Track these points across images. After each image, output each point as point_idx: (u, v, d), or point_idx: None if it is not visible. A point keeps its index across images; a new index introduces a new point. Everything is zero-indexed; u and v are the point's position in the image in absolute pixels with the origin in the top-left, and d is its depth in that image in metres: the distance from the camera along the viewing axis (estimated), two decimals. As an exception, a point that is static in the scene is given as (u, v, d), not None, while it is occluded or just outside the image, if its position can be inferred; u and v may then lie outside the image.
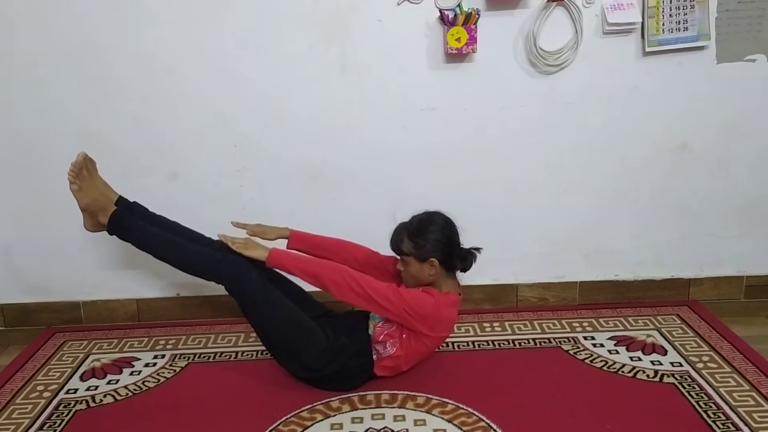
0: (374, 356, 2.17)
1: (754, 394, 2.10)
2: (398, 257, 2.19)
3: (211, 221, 2.57)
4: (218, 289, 2.62)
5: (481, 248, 2.22)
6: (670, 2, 2.42)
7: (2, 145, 2.55)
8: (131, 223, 2.21)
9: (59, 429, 2.04)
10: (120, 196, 2.28)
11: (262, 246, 2.16)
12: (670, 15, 2.42)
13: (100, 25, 2.42)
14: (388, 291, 2.08)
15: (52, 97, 2.50)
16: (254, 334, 2.32)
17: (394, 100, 2.53)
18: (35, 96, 2.49)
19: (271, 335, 2.18)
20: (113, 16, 2.42)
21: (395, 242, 2.16)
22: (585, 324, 2.61)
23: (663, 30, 2.43)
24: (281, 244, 2.29)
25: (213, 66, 2.47)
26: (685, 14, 2.42)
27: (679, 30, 2.43)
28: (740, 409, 2.02)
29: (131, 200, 2.31)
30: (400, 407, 2.08)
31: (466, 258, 2.20)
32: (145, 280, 2.70)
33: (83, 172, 2.17)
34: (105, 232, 2.26)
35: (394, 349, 2.15)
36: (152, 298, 2.73)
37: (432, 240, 2.12)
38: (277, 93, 2.51)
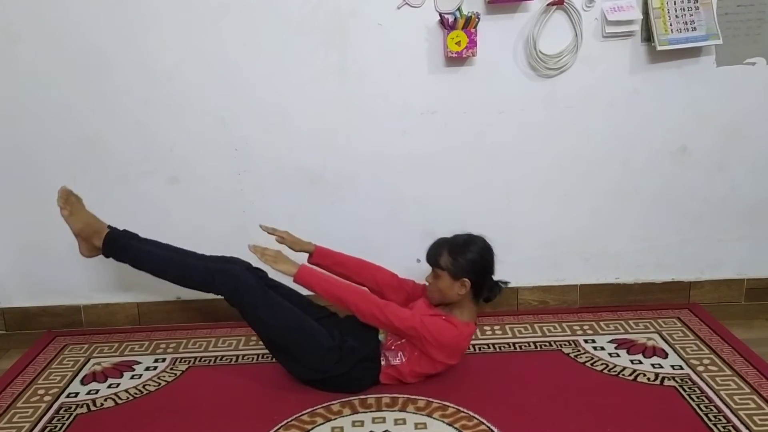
0: (382, 362, 2.18)
1: (754, 397, 2.10)
2: (431, 269, 2.19)
3: (211, 225, 2.62)
4: None
5: (508, 282, 2.25)
6: (675, 3, 2.41)
7: (3, 150, 2.55)
8: (126, 243, 2.22)
9: (60, 433, 2.05)
10: (110, 225, 2.26)
11: (291, 261, 2.15)
12: (676, 16, 2.41)
13: (101, 31, 2.43)
14: (413, 320, 2.10)
15: (54, 102, 2.50)
16: (255, 338, 2.32)
17: (394, 104, 2.53)
18: (37, 101, 2.49)
19: (275, 339, 2.18)
20: (114, 21, 2.42)
21: (433, 254, 2.16)
22: (585, 327, 2.61)
23: (671, 30, 2.41)
24: (301, 257, 2.31)
25: (213, 70, 2.48)
26: (691, 15, 2.41)
27: (687, 30, 2.42)
28: (741, 412, 2.02)
29: (121, 229, 2.29)
30: (400, 410, 2.08)
31: (493, 288, 2.22)
32: (145, 284, 2.67)
33: (71, 198, 2.20)
34: (101, 258, 2.28)
35: (402, 362, 2.17)
36: (153, 302, 2.72)
37: (470, 260, 2.12)
38: (277, 97, 2.51)
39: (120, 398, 2.21)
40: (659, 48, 2.42)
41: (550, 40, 2.46)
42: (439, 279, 2.15)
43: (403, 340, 2.17)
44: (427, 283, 2.22)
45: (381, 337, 2.20)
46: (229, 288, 2.15)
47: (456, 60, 2.46)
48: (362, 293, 2.14)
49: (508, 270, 2.64)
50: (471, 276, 2.12)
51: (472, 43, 2.39)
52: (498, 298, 2.25)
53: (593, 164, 2.62)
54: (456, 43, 2.38)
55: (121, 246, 2.22)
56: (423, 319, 2.11)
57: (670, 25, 2.42)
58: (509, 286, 2.66)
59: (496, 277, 2.22)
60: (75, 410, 2.15)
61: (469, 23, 2.36)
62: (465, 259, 2.12)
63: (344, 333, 2.19)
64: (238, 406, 2.14)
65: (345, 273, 2.34)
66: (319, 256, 2.34)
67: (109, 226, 2.24)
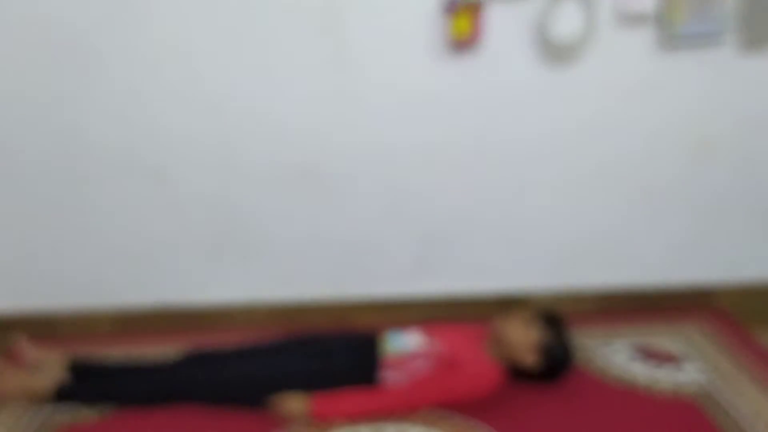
0: (379, 381, 2.09)
1: (778, 409, 2.04)
2: (540, 321, 2.18)
3: (200, 222, 2.57)
4: (206, 296, 2.66)
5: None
6: (687, -8, 2.34)
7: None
8: (73, 393, 2.16)
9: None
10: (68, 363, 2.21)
11: (302, 406, 2.06)
12: (690, 4, 2.32)
13: (87, 21, 2.34)
14: (441, 393, 2.08)
15: (39, 98, 2.42)
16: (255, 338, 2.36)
17: (393, 95, 2.44)
18: (12, 92, 2.41)
19: (249, 403, 2.12)
20: (99, 11, 2.33)
21: (554, 323, 2.17)
22: (599, 333, 2.54)
23: (691, 16, 2.34)
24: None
25: (202, 62, 2.39)
26: (705, 4, 2.33)
27: (703, 21, 2.35)
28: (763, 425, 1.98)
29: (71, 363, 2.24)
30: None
31: (521, 377, 2.18)
32: (128, 286, 2.64)
33: (4, 375, 2.16)
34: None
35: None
36: (136, 306, 2.66)
37: (558, 361, 2.16)
38: (269, 89, 2.43)
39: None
40: (672, 39, 2.36)
41: (561, 27, 2.35)
42: (530, 330, 2.13)
43: (418, 365, 2.10)
44: (527, 315, 2.19)
45: (382, 353, 2.13)
46: (180, 398, 2.13)
47: (460, 48, 2.37)
48: (379, 403, 2.06)
49: (517, 272, 2.68)
50: (542, 362, 2.13)
51: (478, 30, 2.30)
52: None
53: (608, 159, 2.54)
54: (460, 29, 2.28)
55: (70, 398, 2.16)
56: (446, 382, 2.06)
57: (684, 14, 2.34)
58: (521, 288, 2.70)
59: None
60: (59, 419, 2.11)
61: (475, 7, 2.26)
62: (558, 356, 2.16)
63: (337, 354, 2.16)
64: (231, 416, 2.09)
65: None
66: None
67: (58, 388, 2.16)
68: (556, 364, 2.16)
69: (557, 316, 2.21)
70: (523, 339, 2.12)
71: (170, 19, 2.34)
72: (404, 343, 2.15)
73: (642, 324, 2.60)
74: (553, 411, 2.08)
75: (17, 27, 2.34)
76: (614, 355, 2.38)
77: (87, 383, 2.19)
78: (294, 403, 2.05)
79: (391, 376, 2.08)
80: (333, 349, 2.18)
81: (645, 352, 2.40)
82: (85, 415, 2.12)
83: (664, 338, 2.49)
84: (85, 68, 2.39)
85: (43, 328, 2.63)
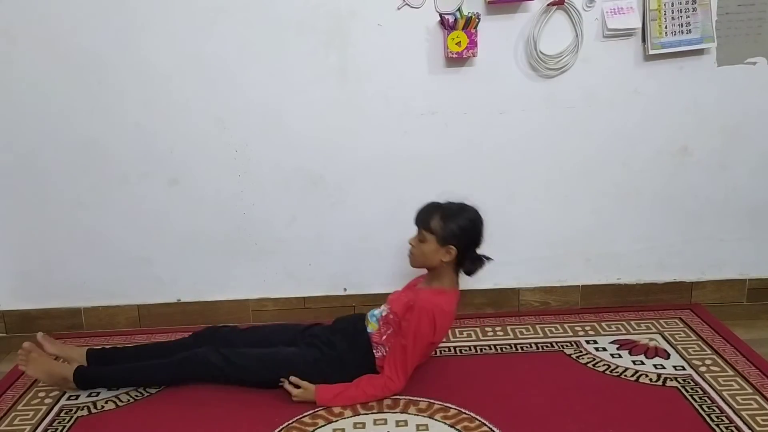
0: (376, 353, 2.18)
1: (757, 397, 2.10)
2: (418, 231, 2.16)
3: (211, 226, 2.63)
4: (219, 295, 2.70)
5: (491, 258, 2.21)
6: (672, 5, 2.41)
7: (3, 153, 2.54)
8: (95, 377, 2.25)
9: (61, 435, 2.05)
10: (78, 366, 2.25)
11: (311, 394, 2.11)
12: (672, 18, 2.41)
13: (100, 34, 2.42)
14: (414, 356, 2.12)
15: (53, 106, 2.49)
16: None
17: (394, 105, 2.53)
18: (36, 104, 2.48)
19: (262, 384, 2.19)
20: (112, 24, 2.41)
21: (424, 216, 2.13)
22: (587, 328, 2.61)
23: (666, 33, 2.41)
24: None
25: (212, 72, 2.47)
26: (688, 17, 2.41)
27: (682, 33, 2.42)
28: (743, 413, 2.02)
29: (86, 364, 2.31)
30: (402, 412, 2.08)
31: (476, 261, 2.18)
32: (145, 285, 2.70)
33: (31, 354, 2.21)
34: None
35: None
36: (153, 304, 2.72)
37: (460, 227, 2.10)
38: (277, 99, 2.50)
39: (121, 401, 2.20)
40: (651, 52, 2.43)
41: (550, 40, 2.46)
42: (425, 243, 2.12)
43: (389, 331, 2.17)
44: (410, 246, 2.18)
45: (370, 329, 2.21)
46: (194, 373, 2.22)
47: (456, 60, 2.46)
48: (374, 388, 2.12)
49: (509, 271, 2.72)
50: (458, 244, 2.10)
51: (473, 44, 2.39)
52: (479, 271, 2.21)
53: (594, 164, 2.62)
54: (456, 44, 2.38)
55: (92, 381, 2.24)
56: (416, 337, 2.10)
57: (665, 27, 2.41)
58: (512, 287, 2.75)
59: (481, 252, 2.19)
60: (76, 413, 2.15)
61: (470, 24, 2.36)
62: (456, 225, 2.09)
63: (335, 340, 2.22)
64: (240, 408, 2.13)
65: None
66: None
67: (77, 368, 2.23)
68: (468, 234, 2.11)
69: (428, 205, 2.16)
70: (429, 250, 2.11)
71: (183, 34, 2.43)
72: (376, 317, 2.22)
73: (626, 318, 2.66)
74: (542, 400, 2.11)
75: (42, 52, 2.43)
76: (600, 348, 2.43)
77: (107, 364, 2.28)
78: (302, 390, 2.11)
79: (379, 350, 2.17)
80: (334, 337, 2.23)
81: (630, 345, 2.44)
82: (102, 405, 2.17)
83: (647, 332, 2.54)
84: (102, 83, 2.47)
85: (68, 323, 2.71)
